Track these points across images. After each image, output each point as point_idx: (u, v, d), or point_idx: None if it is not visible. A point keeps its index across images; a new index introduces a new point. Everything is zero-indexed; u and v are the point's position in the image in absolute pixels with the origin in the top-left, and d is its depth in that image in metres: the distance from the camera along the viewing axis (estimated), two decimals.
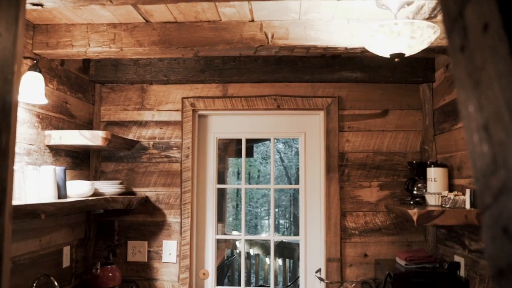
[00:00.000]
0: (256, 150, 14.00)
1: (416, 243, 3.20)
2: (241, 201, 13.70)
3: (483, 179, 0.58)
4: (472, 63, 0.61)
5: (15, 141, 1.13)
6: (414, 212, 2.46)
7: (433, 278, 2.66)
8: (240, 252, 6.15)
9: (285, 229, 16.08)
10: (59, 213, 2.41)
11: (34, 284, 2.44)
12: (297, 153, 13.98)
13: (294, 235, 9.44)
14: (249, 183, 12.41)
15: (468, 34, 0.62)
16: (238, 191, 14.01)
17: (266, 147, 14.38)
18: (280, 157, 15.40)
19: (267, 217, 15.92)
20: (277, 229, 14.39)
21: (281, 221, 16.32)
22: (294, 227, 14.70)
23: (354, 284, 3.20)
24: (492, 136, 0.56)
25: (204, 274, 3.37)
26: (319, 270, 3.28)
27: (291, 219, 15.87)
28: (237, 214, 13.87)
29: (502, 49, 0.53)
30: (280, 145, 15.31)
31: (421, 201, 2.93)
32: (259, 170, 15.58)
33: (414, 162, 3.07)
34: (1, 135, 1.12)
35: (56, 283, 2.38)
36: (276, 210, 14.98)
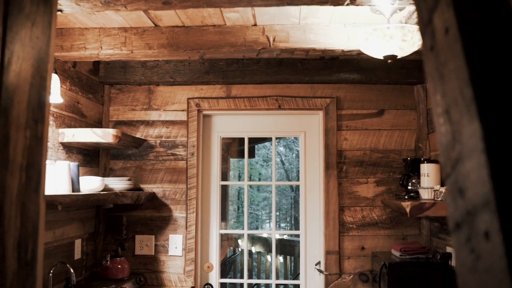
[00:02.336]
0: (258, 153, 14.13)
1: (411, 236, 3.35)
2: (242, 204, 13.77)
3: (445, 153, 0.74)
4: (438, 60, 0.77)
5: (48, 131, 1.30)
6: (407, 204, 2.62)
7: (426, 268, 2.81)
8: (242, 250, 6.30)
9: (285, 235, 16.19)
10: (74, 205, 2.57)
11: (51, 271, 2.59)
12: (297, 156, 14.12)
13: (295, 230, 9.58)
14: (250, 186, 12.57)
15: (435, 36, 0.78)
16: (239, 193, 14.16)
17: (267, 150, 14.53)
18: (281, 160, 15.54)
19: (268, 220, 16.06)
20: (278, 228, 14.47)
21: (282, 224, 16.43)
22: (295, 229, 14.81)
23: (352, 276, 3.35)
24: (452, 118, 0.72)
25: (208, 267, 3.52)
26: (318, 263, 3.44)
27: (292, 221, 15.98)
28: (239, 217, 14.01)
29: (457, 48, 0.69)
30: (281, 148, 15.45)
31: (415, 196, 3.08)
32: (260, 173, 15.72)
33: (409, 159, 3.22)
34: (38, 125, 1.30)
35: (72, 270, 2.54)
36: (277, 213, 15.11)
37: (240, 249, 6.44)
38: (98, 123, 3.49)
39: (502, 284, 0.59)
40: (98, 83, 3.50)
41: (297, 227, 7.74)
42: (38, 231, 1.24)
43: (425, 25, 0.82)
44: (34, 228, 1.22)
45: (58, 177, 2.57)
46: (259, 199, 16.12)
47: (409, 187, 3.16)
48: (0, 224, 1.15)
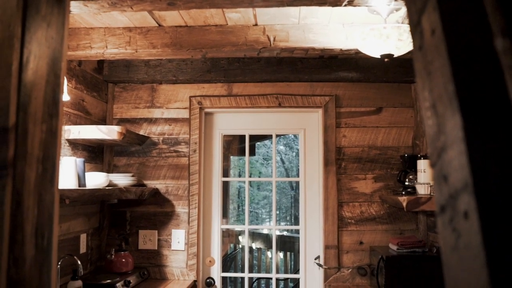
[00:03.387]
0: (258, 152, 14.21)
1: (408, 231, 3.43)
2: (242, 202, 13.82)
3: (432, 144, 0.81)
4: (426, 58, 0.85)
5: (62, 126, 1.39)
6: (403, 199, 2.70)
7: (422, 261, 2.89)
8: (242, 247, 6.38)
9: (285, 231, 16.29)
10: (80, 200, 2.65)
11: (59, 263, 2.67)
12: (297, 154, 14.18)
13: (295, 226, 9.64)
14: (251, 185, 12.64)
15: (423, 37, 0.86)
16: (239, 192, 14.22)
17: (267, 148, 14.60)
18: (281, 159, 15.61)
19: (268, 219, 16.13)
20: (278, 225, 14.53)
21: (282, 223, 16.50)
22: (294, 230, 14.87)
23: (350, 270, 3.43)
24: (437, 111, 0.80)
25: (210, 261, 3.60)
26: (318, 257, 3.52)
27: (292, 220, 16.06)
28: (239, 215, 14.08)
29: (442, 48, 0.77)
30: (281, 147, 15.52)
31: (412, 191, 3.16)
32: (260, 172, 15.80)
33: (406, 155, 3.30)
34: (53, 120, 1.38)
35: (79, 262, 2.62)
36: (277, 212, 15.17)
37: (240, 246, 6.52)
38: (102, 121, 3.57)
39: (479, 257, 0.67)
40: (102, 82, 3.58)
41: (297, 224, 7.85)
42: (53, 219, 1.32)
43: (414, 26, 0.91)
44: (50, 217, 1.30)
45: (65, 172, 2.65)
46: (259, 197, 16.20)
47: (406, 183, 3.23)
48: (20, 212, 1.23)
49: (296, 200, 14.73)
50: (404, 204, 2.69)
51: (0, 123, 1.21)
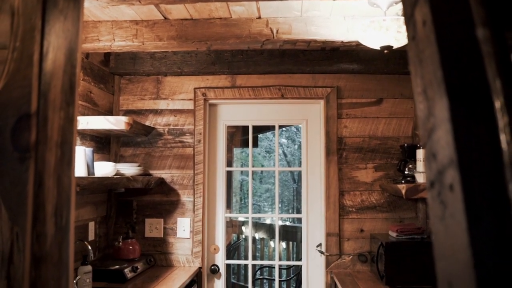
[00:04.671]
0: (260, 144, 14.29)
1: (407, 219, 3.52)
2: (245, 195, 13.88)
3: (423, 126, 0.90)
4: (418, 48, 0.94)
5: (77, 113, 1.48)
6: (403, 187, 2.78)
7: (421, 247, 2.98)
8: (246, 237, 6.48)
9: (288, 221, 16.39)
10: (90, 187, 2.74)
11: None
12: (299, 147, 14.27)
13: (297, 214, 9.75)
14: (253, 178, 12.73)
15: (416, 28, 0.95)
16: (242, 185, 14.33)
17: (269, 141, 14.68)
18: (283, 151, 15.70)
19: (270, 211, 16.23)
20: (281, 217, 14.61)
21: (287, 222, 16.62)
22: (296, 220, 14.99)
23: (351, 256, 3.52)
24: (428, 96, 0.88)
25: (214, 249, 3.70)
26: (319, 244, 3.61)
27: (294, 212, 16.16)
28: (242, 208, 14.19)
29: (432, 37, 0.85)
30: (283, 140, 15.60)
31: (412, 180, 3.24)
32: (262, 165, 15.90)
33: (406, 145, 3.38)
34: (69, 108, 1.47)
35: (89, 247, 2.72)
36: (280, 205, 15.29)
37: (244, 236, 6.62)
38: (109, 112, 3.65)
39: (461, 223, 0.76)
40: (108, 74, 3.66)
41: (299, 221, 7.98)
42: (71, 201, 1.41)
43: (408, 18, 0.99)
44: (67, 198, 1.39)
45: (75, 161, 2.73)
46: (261, 190, 16.30)
47: (406, 172, 3.32)
48: (41, 192, 1.33)
49: (298, 193, 14.81)
50: (403, 191, 2.78)
51: (24, 109, 1.30)
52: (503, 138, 0.71)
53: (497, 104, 0.74)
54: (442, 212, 0.83)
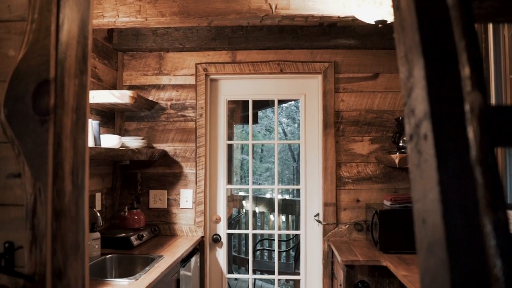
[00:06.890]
0: (260, 122, 14.39)
1: (402, 189, 3.66)
2: (245, 174, 14.00)
3: (404, 86, 1.01)
4: (401, 17, 1.04)
5: (89, 81, 1.60)
6: (396, 156, 2.91)
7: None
8: (246, 211, 6.65)
9: (287, 194, 16.59)
10: (97, 158, 2.87)
11: None
12: (299, 126, 14.36)
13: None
14: (253, 157, 12.86)
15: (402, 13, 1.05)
16: (242, 164, 14.49)
17: (269, 120, 14.78)
18: (283, 130, 15.82)
19: (271, 190, 16.42)
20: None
21: (285, 195, 16.80)
22: (296, 193, 15.17)
23: (347, 225, 3.67)
24: (408, 59, 1.00)
25: (216, 219, 3.85)
26: (317, 214, 3.76)
27: (294, 192, 16.36)
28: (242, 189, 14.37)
29: (412, 7, 0.96)
30: (283, 119, 15.70)
31: (405, 151, 3.36)
32: (262, 145, 16.05)
33: (401, 118, 3.49)
34: (83, 76, 1.59)
35: (98, 214, 2.86)
36: (280, 184, 15.47)
37: (244, 210, 6.78)
38: (113, 87, 3.76)
39: (432, 166, 0.88)
40: (112, 50, 3.76)
41: (298, 195, 8.15)
42: (85, 161, 1.54)
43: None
44: (82, 159, 1.52)
45: None
46: (261, 169, 16.48)
47: (400, 144, 3.44)
48: (60, 153, 1.45)
49: (298, 172, 14.95)
50: (397, 161, 2.90)
51: (44, 75, 1.42)
52: (464, 88, 0.83)
53: (461, 59, 0.86)
54: (418, 159, 0.96)
